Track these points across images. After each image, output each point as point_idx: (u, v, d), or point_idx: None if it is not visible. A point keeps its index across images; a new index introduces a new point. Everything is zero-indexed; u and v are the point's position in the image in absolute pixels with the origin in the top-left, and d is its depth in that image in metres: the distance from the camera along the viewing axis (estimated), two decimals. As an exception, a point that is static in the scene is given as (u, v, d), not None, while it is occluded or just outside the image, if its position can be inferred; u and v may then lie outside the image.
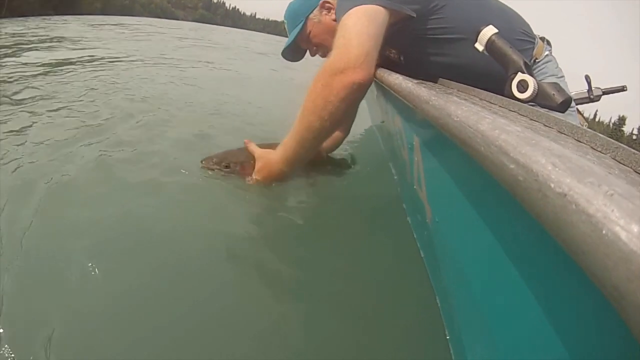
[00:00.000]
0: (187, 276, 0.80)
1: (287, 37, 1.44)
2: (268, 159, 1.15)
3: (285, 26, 1.43)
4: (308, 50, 1.46)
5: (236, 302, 0.77)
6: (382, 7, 1.02)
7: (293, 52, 1.45)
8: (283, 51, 1.45)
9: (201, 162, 1.21)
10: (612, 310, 0.21)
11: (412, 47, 1.18)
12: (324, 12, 1.34)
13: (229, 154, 1.23)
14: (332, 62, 0.99)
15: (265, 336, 0.69)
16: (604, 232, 0.21)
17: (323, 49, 1.40)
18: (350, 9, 1.02)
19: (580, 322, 0.32)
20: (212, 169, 1.20)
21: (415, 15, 1.06)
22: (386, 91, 0.97)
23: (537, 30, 1.20)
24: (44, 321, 0.63)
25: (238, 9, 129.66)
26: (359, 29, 0.98)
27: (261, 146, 1.20)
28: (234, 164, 1.20)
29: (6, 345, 0.58)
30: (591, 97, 1.80)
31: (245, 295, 0.79)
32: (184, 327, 0.67)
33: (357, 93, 0.99)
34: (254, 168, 1.17)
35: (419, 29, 1.10)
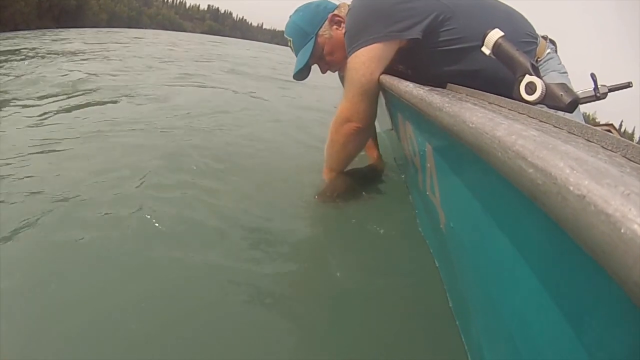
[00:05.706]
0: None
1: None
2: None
3: (291, 44, 1.35)
4: (318, 67, 1.39)
5: (255, 306, 0.80)
6: (387, 41, 1.05)
7: (302, 71, 1.38)
8: (295, 74, 1.37)
9: None
10: (634, 307, 0.22)
11: (421, 61, 1.14)
12: (334, 26, 1.28)
13: None
14: (341, 112, 1.20)
15: (277, 338, 0.73)
16: (622, 230, 0.21)
17: (335, 66, 1.35)
18: (356, 50, 1.09)
19: (603, 322, 0.32)
20: None
21: (421, 37, 1.05)
22: (396, 98, 0.97)
23: (543, 30, 1.19)
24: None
25: (245, 20, 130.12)
26: (364, 80, 1.11)
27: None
28: None
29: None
30: (597, 95, 1.79)
31: (259, 297, 0.83)
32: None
33: (362, 134, 1.25)
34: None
35: (428, 45, 1.08)
